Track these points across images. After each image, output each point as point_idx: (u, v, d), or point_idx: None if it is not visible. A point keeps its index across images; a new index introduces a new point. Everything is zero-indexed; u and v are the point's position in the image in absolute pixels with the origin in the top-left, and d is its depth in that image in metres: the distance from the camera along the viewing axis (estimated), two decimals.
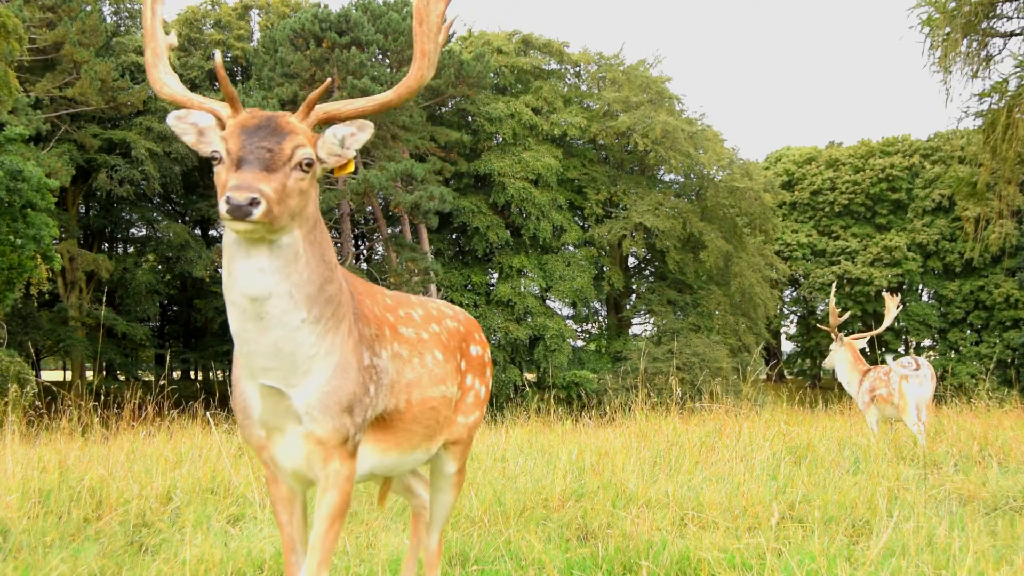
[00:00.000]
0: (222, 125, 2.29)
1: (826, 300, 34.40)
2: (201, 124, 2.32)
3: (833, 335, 8.72)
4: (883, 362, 8.19)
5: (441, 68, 24.55)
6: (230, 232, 2.21)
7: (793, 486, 5.37)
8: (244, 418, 2.48)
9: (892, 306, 8.86)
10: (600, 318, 32.53)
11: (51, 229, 15.79)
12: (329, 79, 3.37)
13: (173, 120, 2.32)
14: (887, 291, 9.60)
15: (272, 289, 2.23)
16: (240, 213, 2.06)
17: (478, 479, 5.57)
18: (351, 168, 2.46)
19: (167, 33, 2.59)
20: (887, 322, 8.87)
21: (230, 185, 2.09)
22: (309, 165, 2.24)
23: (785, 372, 39.18)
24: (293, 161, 2.20)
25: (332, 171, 2.44)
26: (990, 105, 15.16)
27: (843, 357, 8.53)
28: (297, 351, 2.31)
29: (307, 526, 2.62)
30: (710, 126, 31.14)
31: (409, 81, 2.56)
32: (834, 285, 9.87)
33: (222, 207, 2.08)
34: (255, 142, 2.17)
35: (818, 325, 9.82)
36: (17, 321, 22.17)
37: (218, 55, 2.41)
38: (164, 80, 2.48)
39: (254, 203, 2.07)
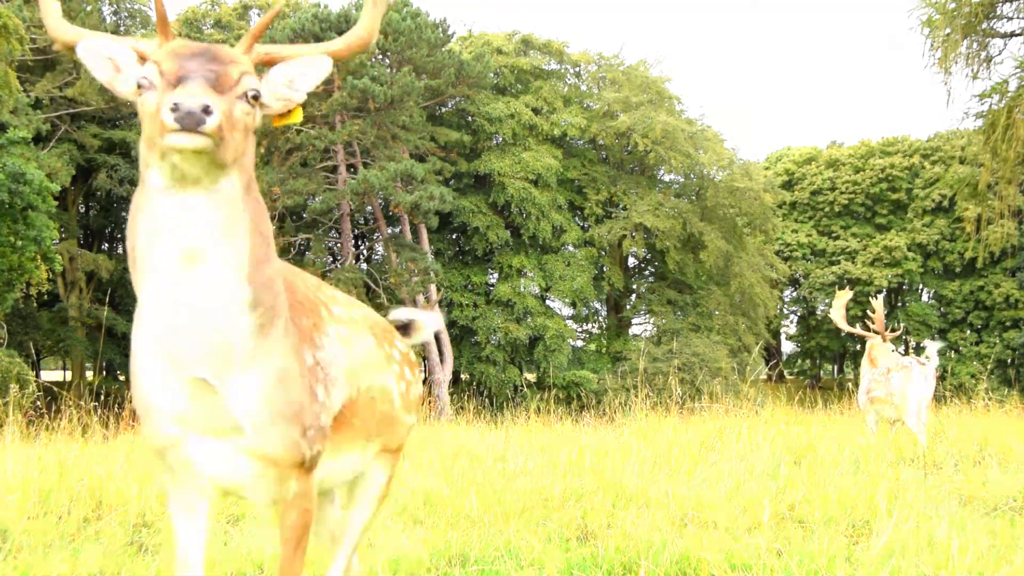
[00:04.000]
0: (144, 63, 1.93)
1: (826, 300, 34.38)
2: (119, 58, 1.98)
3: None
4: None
5: (441, 68, 24.55)
6: (157, 176, 1.84)
7: (793, 486, 5.37)
8: (153, 411, 2.06)
9: (879, 308, 8.75)
10: (600, 318, 32.52)
11: (51, 231, 15.82)
12: (280, 5, 3.05)
13: (84, 50, 1.97)
14: (873, 295, 9.45)
15: (212, 243, 1.87)
16: (191, 121, 1.72)
17: (478, 479, 5.57)
18: (297, 118, 2.11)
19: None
20: (880, 323, 8.75)
21: (175, 94, 1.75)
22: (255, 98, 1.92)
23: (785, 372, 39.17)
24: (240, 88, 1.88)
25: (273, 120, 2.09)
26: (990, 106, 15.17)
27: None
28: (235, 338, 1.95)
29: (206, 539, 2.32)
30: (710, 126, 31.19)
31: (359, 31, 2.20)
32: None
33: (166, 116, 1.73)
34: (196, 63, 1.84)
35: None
36: (17, 321, 22.17)
37: None
38: (61, 26, 2.12)
39: (207, 111, 1.73)
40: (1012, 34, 14.91)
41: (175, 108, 1.72)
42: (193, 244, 1.86)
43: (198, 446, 2.09)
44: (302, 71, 2.02)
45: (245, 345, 1.97)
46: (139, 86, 1.88)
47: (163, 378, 2.00)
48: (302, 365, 2.14)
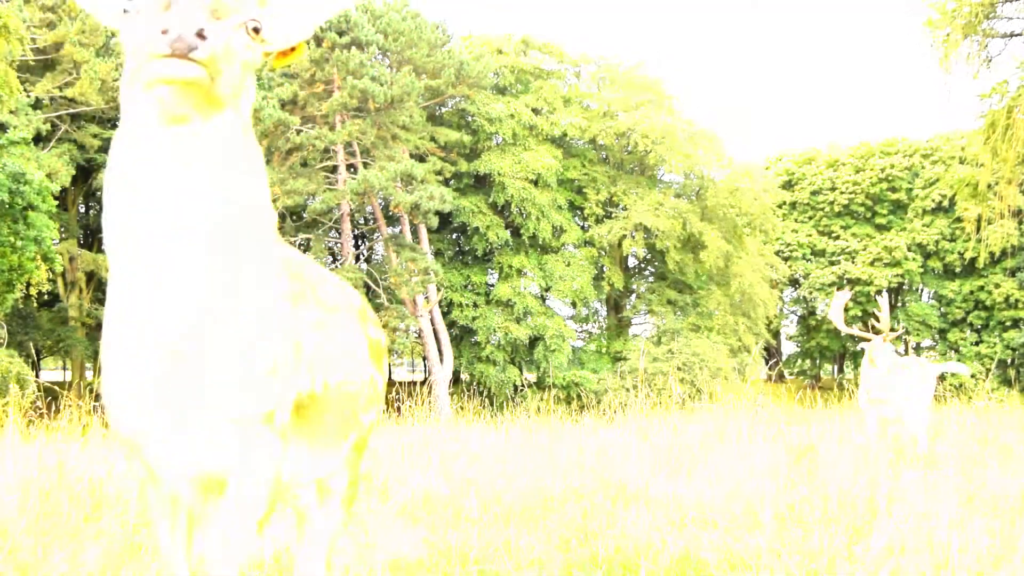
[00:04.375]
0: None
1: (826, 300, 34.40)
2: None
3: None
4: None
5: (441, 68, 24.57)
6: (140, 114, 1.61)
7: (793, 486, 5.37)
8: (128, 400, 1.80)
9: (884, 306, 8.73)
10: (600, 318, 32.53)
11: (51, 231, 15.83)
12: None
13: None
14: (877, 294, 9.44)
15: (201, 188, 1.64)
16: (183, 45, 1.50)
17: (478, 479, 5.57)
18: (298, 56, 1.90)
19: None
20: (884, 322, 8.71)
21: (166, 18, 1.54)
22: (256, 31, 1.72)
23: (785, 372, 39.18)
24: (240, 16, 1.67)
25: (274, 57, 1.89)
26: (990, 106, 15.20)
27: None
28: (221, 303, 1.72)
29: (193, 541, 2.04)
30: (710, 128, 31.21)
31: None
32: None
33: (153, 41, 1.52)
34: None
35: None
36: (17, 321, 22.18)
37: None
38: None
39: (201, 35, 1.53)
40: (1012, 34, 14.93)
41: (165, 31, 1.51)
42: (178, 189, 1.63)
43: (175, 434, 1.82)
44: (312, 4, 1.83)
45: (227, 300, 1.74)
46: (125, 11, 1.68)
47: (135, 351, 1.74)
48: (281, 318, 1.90)
